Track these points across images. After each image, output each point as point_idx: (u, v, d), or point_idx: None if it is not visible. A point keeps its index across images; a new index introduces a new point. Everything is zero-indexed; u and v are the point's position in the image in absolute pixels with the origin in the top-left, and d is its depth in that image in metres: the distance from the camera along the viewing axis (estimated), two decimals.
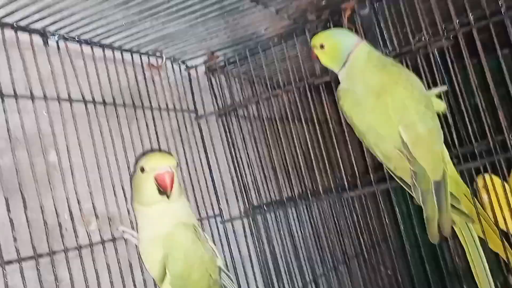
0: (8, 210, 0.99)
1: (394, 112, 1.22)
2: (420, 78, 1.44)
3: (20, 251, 0.98)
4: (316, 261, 1.78)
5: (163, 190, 1.12)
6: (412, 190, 1.23)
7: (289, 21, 1.50)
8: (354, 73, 1.27)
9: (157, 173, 1.12)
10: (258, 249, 1.65)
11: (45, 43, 1.17)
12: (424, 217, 1.20)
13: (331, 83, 1.52)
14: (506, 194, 1.36)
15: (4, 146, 1.04)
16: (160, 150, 1.41)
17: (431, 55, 1.41)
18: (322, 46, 1.30)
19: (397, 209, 1.51)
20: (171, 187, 1.12)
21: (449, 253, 1.52)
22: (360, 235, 1.65)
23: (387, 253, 1.78)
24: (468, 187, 1.32)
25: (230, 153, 1.68)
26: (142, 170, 1.14)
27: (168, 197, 1.12)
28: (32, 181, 1.06)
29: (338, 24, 1.52)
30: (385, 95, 1.22)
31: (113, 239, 1.20)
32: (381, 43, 1.48)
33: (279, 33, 1.59)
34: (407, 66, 1.47)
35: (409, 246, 1.57)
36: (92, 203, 1.17)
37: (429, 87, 1.41)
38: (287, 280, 1.68)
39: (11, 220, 0.98)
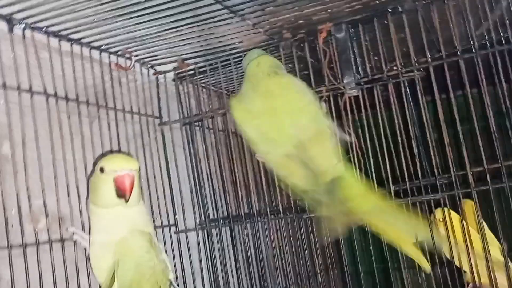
0: None
1: (285, 115, 1.23)
2: (390, 107, 1.47)
3: None
4: (269, 280, 1.76)
5: (121, 194, 1.08)
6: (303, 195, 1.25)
7: (265, 36, 1.49)
8: (246, 82, 1.29)
9: (117, 175, 1.08)
10: (210, 263, 1.61)
11: (10, 30, 1.13)
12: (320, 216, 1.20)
13: None
14: (462, 229, 1.38)
15: None
16: (122, 152, 1.37)
17: (401, 85, 1.43)
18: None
19: (353, 234, 1.50)
20: (131, 191, 1.08)
21: (402, 281, 1.53)
22: (315, 257, 1.63)
23: (340, 277, 1.77)
24: (427, 218, 1.33)
25: (191, 163, 1.65)
26: (102, 170, 1.10)
27: (126, 201, 1.08)
28: None
29: (312, 45, 1.52)
30: (275, 99, 1.25)
31: (62, 240, 1.15)
32: (353, 67, 1.49)
33: (252, 48, 1.58)
34: (377, 94, 1.49)
35: (363, 273, 1.56)
36: (43, 201, 1.12)
37: (397, 117, 1.43)
38: None
39: None
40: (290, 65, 1.59)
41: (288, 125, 1.24)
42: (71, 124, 1.24)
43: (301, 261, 1.73)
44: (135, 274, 1.11)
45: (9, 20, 1.12)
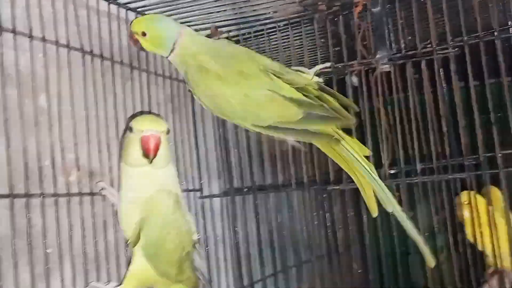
0: None
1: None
2: (421, 87, 1.46)
3: None
4: (289, 252, 1.78)
5: (146, 154, 1.10)
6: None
7: (300, 7, 1.49)
8: (187, 61, 1.24)
9: (143, 135, 1.10)
10: (232, 231, 1.63)
11: None
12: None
13: (332, 76, 1.52)
14: (487, 212, 1.38)
15: None
16: (153, 113, 1.39)
17: (434, 63, 1.41)
18: (144, 34, 1.23)
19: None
20: (155, 152, 1.10)
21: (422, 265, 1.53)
22: (336, 231, 1.64)
23: (360, 254, 1.78)
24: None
25: (219, 131, 1.67)
26: (131, 130, 1.12)
27: (150, 161, 1.10)
28: (18, 120, 1.03)
29: (347, 18, 1.52)
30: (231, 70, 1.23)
31: (91, 194, 1.18)
32: (387, 43, 1.48)
33: (286, 19, 1.58)
34: (409, 71, 1.48)
35: (384, 254, 1.57)
36: (76, 155, 1.15)
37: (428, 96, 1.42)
38: (257, 266, 1.67)
39: None
40: (322, 40, 1.59)
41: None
42: (105, 83, 1.26)
43: (323, 236, 1.73)
44: (160, 232, 1.14)
45: None
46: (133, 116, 1.27)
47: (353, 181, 1.47)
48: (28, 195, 1.02)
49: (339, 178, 1.49)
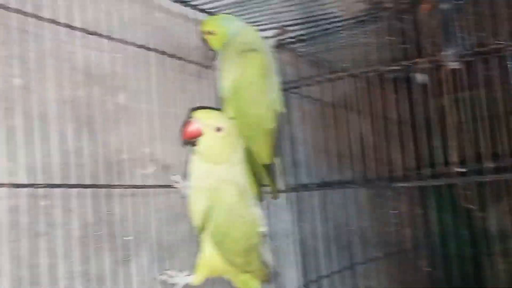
0: (77, 139, 1.04)
1: None
2: (490, 81, 1.44)
3: (82, 179, 1.03)
4: (356, 249, 1.78)
5: (181, 136, 1.14)
6: None
7: (367, 5, 1.50)
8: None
9: (187, 121, 1.14)
10: (299, 226, 1.67)
11: None
12: None
13: (397, 74, 1.52)
14: None
15: (80, 80, 1.09)
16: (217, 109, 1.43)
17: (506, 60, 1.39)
18: (211, 33, 1.33)
19: (445, 215, 1.49)
20: (187, 137, 1.13)
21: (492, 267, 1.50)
22: (403, 228, 1.64)
23: (429, 252, 1.76)
24: None
25: (286, 127, 1.70)
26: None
27: (183, 145, 1.14)
28: (101, 117, 1.11)
29: (414, 15, 1.51)
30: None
31: (166, 186, 1.25)
32: (456, 40, 1.46)
33: (353, 17, 1.59)
34: (478, 69, 1.46)
35: (451, 256, 1.55)
36: (152, 149, 1.22)
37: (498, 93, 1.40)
38: (324, 262, 1.69)
39: (77, 149, 1.04)
40: (390, 37, 1.59)
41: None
42: (179, 81, 1.32)
43: (389, 233, 1.73)
44: (225, 220, 1.18)
45: None
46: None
47: (420, 179, 1.48)
48: (109, 186, 1.09)
49: (406, 176, 1.50)
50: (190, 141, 1.14)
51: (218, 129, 1.15)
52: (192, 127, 1.13)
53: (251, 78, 1.30)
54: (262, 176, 1.39)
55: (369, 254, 1.79)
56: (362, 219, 1.75)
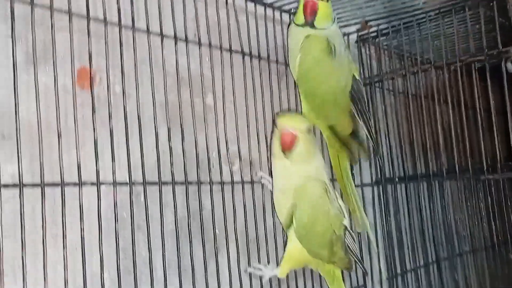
0: (169, 139, 1.12)
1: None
2: None
3: (174, 176, 1.12)
4: (442, 243, 1.77)
5: (282, 148, 1.20)
6: None
7: None
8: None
9: (282, 132, 1.19)
10: (384, 219, 1.68)
11: None
12: None
13: (485, 64, 1.49)
14: None
15: (171, 84, 1.18)
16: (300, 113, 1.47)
17: None
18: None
19: None
20: (289, 147, 1.19)
21: None
22: (492, 223, 1.60)
23: None
24: None
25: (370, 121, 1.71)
26: (275, 125, 1.23)
27: (286, 156, 1.19)
28: (190, 117, 1.19)
29: (502, 3, 1.47)
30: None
31: (252, 182, 1.31)
32: None
33: (436, 8, 1.57)
34: None
35: None
36: (238, 146, 1.29)
37: None
38: (409, 255, 1.69)
39: (170, 148, 1.12)
40: (477, 26, 1.55)
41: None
42: (262, 80, 1.38)
43: (478, 228, 1.70)
44: (310, 216, 1.23)
45: None
46: (280, 113, 1.38)
47: (510, 170, 1.44)
48: (199, 182, 1.18)
49: (494, 167, 1.46)
50: (290, 150, 1.19)
51: (309, 131, 1.21)
52: (291, 137, 1.18)
53: (315, 59, 1.34)
54: (349, 144, 1.45)
55: (456, 249, 1.77)
56: (449, 212, 1.73)
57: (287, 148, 1.19)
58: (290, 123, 1.20)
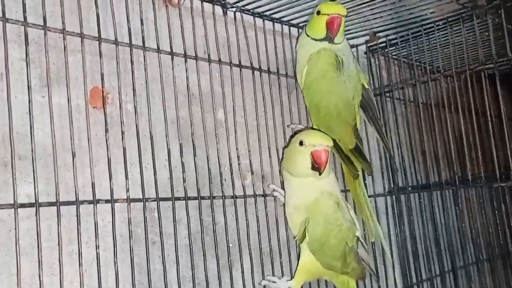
0: (181, 155, 1.14)
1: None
2: None
3: (187, 191, 1.13)
4: (457, 252, 1.76)
5: (317, 166, 1.19)
6: None
7: (457, 5, 1.49)
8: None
9: (315, 149, 1.19)
10: (398, 228, 1.68)
11: (225, 13, 1.32)
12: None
13: (494, 71, 1.49)
14: None
15: (182, 101, 1.20)
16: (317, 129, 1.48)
17: None
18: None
19: None
20: (325, 165, 1.20)
21: None
22: (507, 230, 1.59)
23: None
24: None
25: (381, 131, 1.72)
26: (301, 143, 1.21)
27: (320, 173, 1.20)
28: (202, 133, 1.21)
29: (509, 11, 1.47)
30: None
31: (264, 195, 1.33)
32: None
33: (444, 18, 1.58)
34: None
35: None
36: (249, 160, 1.30)
37: None
38: (424, 265, 1.69)
39: (182, 164, 1.14)
40: (486, 33, 1.56)
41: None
42: (272, 94, 1.40)
43: (492, 236, 1.69)
44: (323, 230, 1.24)
45: (224, 5, 1.31)
46: (300, 131, 1.38)
47: None
48: (212, 197, 1.19)
49: (507, 175, 1.46)
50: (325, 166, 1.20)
51: (330, 148, 1.22)
52: (327, 156, 1.19)
53: (321, 73, 1.35)
54: (351, 159, 1.44)
55: (471, 257, 1.76)
56: (463, 221, 1.73)
57: (324, 165, 1.19)
58: (323, 141, 1.20)
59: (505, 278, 1.71)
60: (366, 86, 1.46)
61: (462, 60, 1.59)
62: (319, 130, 1.37)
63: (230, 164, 1.26)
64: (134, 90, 1.07)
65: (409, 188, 1.68)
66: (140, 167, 1.05)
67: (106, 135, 1.02)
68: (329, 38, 1.34)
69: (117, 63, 1.06)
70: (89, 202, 0.97)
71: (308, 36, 1.37)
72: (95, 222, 0.96)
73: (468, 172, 1.53)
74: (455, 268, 1.74)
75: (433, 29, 1.62)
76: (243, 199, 1.27)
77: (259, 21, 1.41)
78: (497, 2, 1.48)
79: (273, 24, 1.45)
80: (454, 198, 1.71)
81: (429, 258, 1.69)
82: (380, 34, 1.68)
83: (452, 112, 1.66)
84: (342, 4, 1.38)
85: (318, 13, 1.32)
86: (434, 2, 1.46)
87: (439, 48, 1.63)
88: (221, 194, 1.22)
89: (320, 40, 1.35)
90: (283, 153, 1.35)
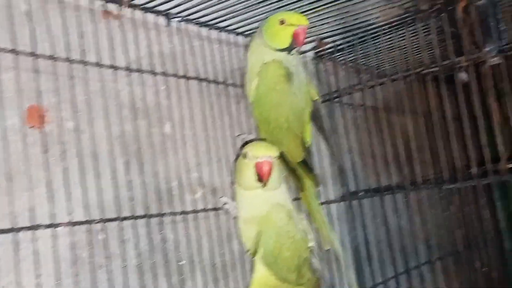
0: (127, 172, 1.10)
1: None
2: None
3: (135, 210, 1.09)
4: (410, 253, 1.78)
5: (260, 178, 1.18)
6: None
7: (401, 10, 1.50)
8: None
9: (257, 161, 1.17)
10: (351, 234, 1.68)
11: (168, 24, 1.28)
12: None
13: (439, 74, 1.52)
14: None
15: (127, 115, 1.16)
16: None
17: None
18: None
19: (498, 207, 1.47)
20: (268, 176, 1.17)
21: None
22: (457, 230, 1.62)
23: (483, 252, 1.74)
24: None
25: (331, 137, 1.72)
26: (245, 156, 1.20)
27: (264, 185, 1.18)
28: (149, 148, 1.17)
29: (451, 14, 1.50)
30: None
31: (216, 209, 1.30)
32: (495, 35, 1.44)
33: (389, 22, 1.59)
34: None
35: (508, 248, 1.52)
36: (199, 174, 1.27)
37: None
38: (379, 268, 1.70)
39: (129, 181, 1.10)
40: (429, 37, 1.58)
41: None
42: (221, 105, 1.37)
43: (443, 235, 1.72)
44: (276, 242, 1.22)
45: (167, 15, 1.27)
46: (247, 143, 1.36)
47: (469, 179, 1.47)
48: (160, 214, 1.15)
49: (455, 176, 1.48)
50: (269, 178, 1.18)
51: (278, 158, 1.20)
52: (269, 167, 1.17)
53: (272, 85, 1.32)
54: (297, 172, 1.40)
55: (423, 258, 1.79)
56: (414, 223, 1.75)
57: (266, 177, 1.17)
58: (266, 152, 1.19)
59: (456, 275, 1.73)
60: (315, 98, 1.44)
61: (407, 63, 1.61)
62: (255, 140, 1.36)
63: (180, 179, 1.23)
64: (74, 106, 1.03)
65: (361, 193, 1.68)
66: (83, 188, 1.00)
67: (45, 155, 0.97)
68: (291, 49, 1.31)
69: (55, 79, 1.01)
70: (28, 228, 0.91)
71: (264, 44, 1.32)
72: (34, 249, 0.91)
73: (417, 174, 1.55)
74: (408, 270, 1.75)
75: (379, 33, 1.63)
76: (194, 214, 1.24)
77: (204, 30, 1.38)
78: (439, 6, 1.51)
79: (219, 33, 1.42)
80: (405, 200, 1.73)
81: (383, 261, 1.70)
82: (327, 40, 1.68)
83: (400, 115, 1.67)
84: (288, 11, 1.36)
85: (282, 22, 1.29)
86: (379, 7, 1.47)
87: (385, 52, 1.64)
88: (171, 211, 1.19)
89: (280, 50, 1.31)
90: (234, 170, 1.32)
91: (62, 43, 1.04)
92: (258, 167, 1.17)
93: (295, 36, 1.29)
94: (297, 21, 1.28)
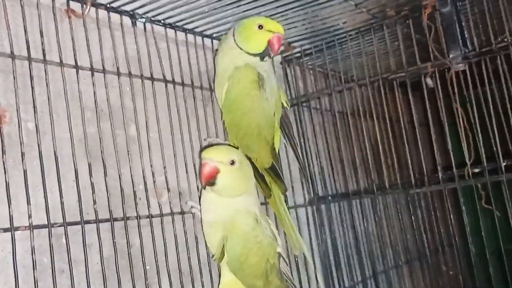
0: (90, 175, 1.07)
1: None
2: (499, 81, 1.44)
3: (98, 214, 1.06)
4: (377, 257, 1.78)
5: (200, 180, 1.18)
6: None
7: (368, 16, 1.51)
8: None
9: (202, 163, 1.18)
10: (319, 238, 1.68)
11: (134, 24, 1.26)
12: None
13: (406, 80, 1.53)
14: None
15: (90, 117, 1.13)
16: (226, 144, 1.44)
17: None
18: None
19: (464, 211, 1.49)
20: (207, 179, 1.17)
21: None
22: (423, 234, 1.64)
23: (450, 256, 1.75)
24: None
25: (299, 142, 1.72)
26: (199, 157, 1.21)
27: (203, 187, 1.19)
28: (113, 151, 1.14)
29: (417, 21, 1.52)
30: None
31: (182, 213, 1.27)
32: (460, 41, 1.46)
33: (356, 28, 1.61)
34: (486, 67, 1.47)
35: (474, 251, 1.53)
36: (165, 177, 1.24)
37: (508, 90, 1.40)
38: (347, 273, 1.70)
39: (92, 184, 1.07)
40: (396, 43, 1.60)
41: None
42: (187, 107, 1.35)
43: (410, 239, 1.73)
44: (242, 248, 1.20)
45: (133, 15, 1.25)
46: (216, 145, 1.34)
47: (436, 183, 1.48)
48: (125, 218, 1.12)
49: (422, 181, 1.50)
50: (210, 182, 1.17)
51: (232, 162, 1.19)
52: (209, 169, 1.16)
53: (243, 91, 1.31)
54: (268, 178, 1.40)
55: (390, 262, 1.79)
56: (382, 227, 1.76)
57: (205, 180, 1.17)
58: (211, 155, 1.18)
59: (422, 279, 1.74)
60: (285, 105, 1.43)
61: (375, 69, 1.62)
62: (222, 145, 1.35)
63: (145, 182, 1.20)
64: (35, 107, 0.99)
65: (329, 198, 1.68)
66: (44, 191, 0.97)
67: (3, 157, 0.93)
68: (265, 55, 1.30)
69: (14, 78, 0.97)
70: None
71: (237, 47, 1.31)
72: None
73: (385, 179, 1.56)
74: (376, 274, 1.76)
75: (346, 39, 1.64)
76: (159, 218, 1.21)
77: (170, 32, 1.36)
78: (405, 12, 1.53)
79: (186, 35, 1.40)
80: (372, 205, 1.74)
81: (351, 265, 1.71)
82: (295, 44, 1.68)
83: (368, 120, 1.68)
84: (256, 14, 1.36)
85: (260, 27, 1.28)
86: (346, 12, 1.47)
87: (353, 57, 1.65)
88: (135, 214, 1.16)
89: (254, 54, 1.31)
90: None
91: (22, 41, 1.01)
92: (201, 170, 1.18)
93: (270, 44, 1.29)
94: (274, 28, 1.29)
